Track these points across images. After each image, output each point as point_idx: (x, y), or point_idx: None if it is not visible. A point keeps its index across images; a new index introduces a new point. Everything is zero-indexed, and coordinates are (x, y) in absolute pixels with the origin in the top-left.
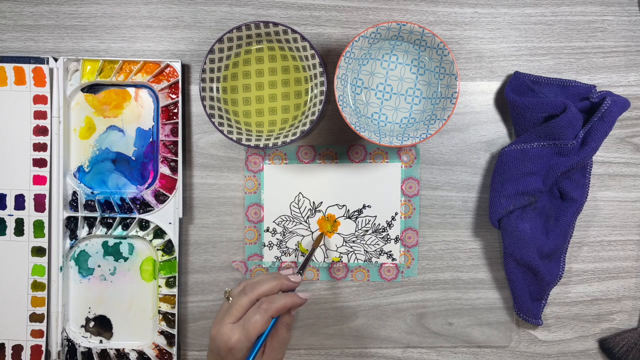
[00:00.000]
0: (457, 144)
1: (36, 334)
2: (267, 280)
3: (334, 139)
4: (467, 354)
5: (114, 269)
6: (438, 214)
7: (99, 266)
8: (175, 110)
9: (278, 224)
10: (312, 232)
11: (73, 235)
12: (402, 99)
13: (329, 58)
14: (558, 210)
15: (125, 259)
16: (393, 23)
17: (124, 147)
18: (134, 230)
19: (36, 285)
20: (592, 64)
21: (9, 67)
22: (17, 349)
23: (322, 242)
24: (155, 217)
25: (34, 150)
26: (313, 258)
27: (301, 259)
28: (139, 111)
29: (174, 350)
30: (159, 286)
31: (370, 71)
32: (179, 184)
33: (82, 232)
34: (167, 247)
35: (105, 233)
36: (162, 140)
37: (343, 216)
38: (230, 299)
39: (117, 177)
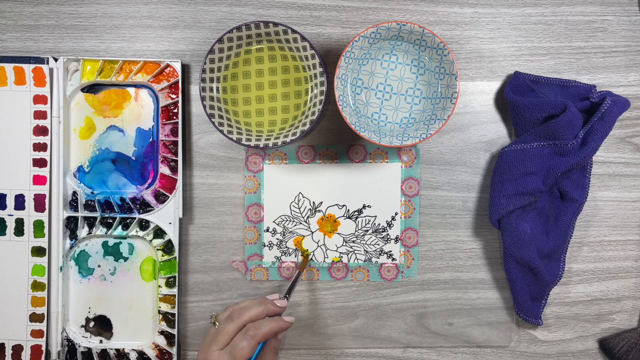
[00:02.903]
0: (457, 144)
1: (36, 334)
2: (254, 306)
3: (334, 139)
4: (467, 354)
5: (114, 269)
6: (438, 214)
7: (99, 266)
8: (175, 110)
9: (278, 224)
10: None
11: (73, 235)
12: (402, 99)
13: (329, 58)
14: (558, 210)
15: (125, 259)
16: (393, 23)
17: (124, 147)
18: (134, 230)
19: (36, 285)
20: (592, 64)
21: (9, 67)
22: (17, 349)
23: (306, 266)
24: (155, 217)
25: (34, 150)
26: (313, 259)
27: (301, 259)
28: (139, 111)
29: (174, 350)
30: (159, 286)
31: (370, 71)
32: (179, 184)
33: (82, 232)
34: (167, 247)
35: (105, 233)
36: (162, 140)
37: (343, 216)
38: (217, 324)
39: (117, 177)
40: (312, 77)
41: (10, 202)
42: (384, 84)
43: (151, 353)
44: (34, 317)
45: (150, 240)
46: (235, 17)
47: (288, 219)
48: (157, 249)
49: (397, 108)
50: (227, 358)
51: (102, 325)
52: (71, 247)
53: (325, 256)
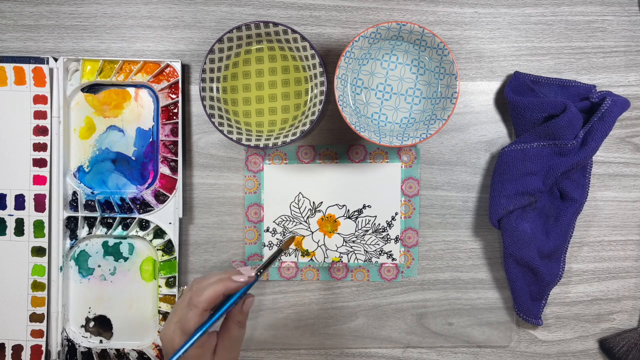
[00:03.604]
0: (457, 144)
1: (36, 334)
2: (212, 285)
3: (334, 139)
4: (467, 354)
5: (114, 269)
6: (438, 214)
7: (99, 266)
8: (175, 110)
9: (278, 224)
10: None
11: (73, 235)
12: (402, 99)
13: (329, 58)
14: (558, 210)
15: (125, 259)
16: (393, 23)
17: (124, 147)
18: (134, 230)
19: (36, 285)
20: (592, 64)
21: (9, 67)
22: (17, 349)
23: (290, 246)
24: (155, 217)
25: (34, 150)
26: (313, 258)
27: (303, 259)
28: (139, 111)
29: None
30: (159, 286)
31: (370, 71)
32: (179, 184)
33: (82, 232)
34: (167, 247)
35: (105, 233)
36: (162, 140)
37: (343, 216)
38: None
39: (117, 177)
40: (312, 77)
41: (10, 202)
42: (384, 84)
43: (151, 353)
44: (34, 317)
45: (150, 240)
46: (235, 17)
47: (288, 219)
48: (157, 249)
49: (397, 108)
50: (179, 332)
51: (102, 325)
52: (71, 247)
53: (325, 256)
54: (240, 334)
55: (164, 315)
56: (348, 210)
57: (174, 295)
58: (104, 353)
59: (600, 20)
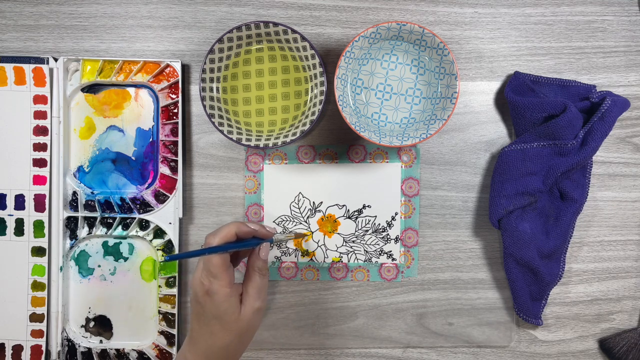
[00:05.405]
0: (457, 144)
1: (36, 334)
2: (225, 226)
3: (334, 139)
4: (467, 354)
5: (114, 269)
6: (438, 214)
7: (99, 266)
8: (175, 110)
9: (278, 224)
10: (312, 232)
11: (73, 235)
12: (402, 99)
13: (329, 58)
14: (558, 210)
15: (125, 259)
16: (393, 23)
17: (124, 147)
18: (134, 230)
19: (36, 285)
20: (592, 64)
21: (9, 67)
22: (17, 349)
23: (297, 239)
24: (155, 217)
25: (34, 150)
26: (313, 258)
27: (303, 259)
28: (139, 111)
29: (174, 350)
30: (159, 286)
31: (370, 71)
32: (179, 184)
33: (82, 232)
34: (167, 247)
35: (105, 233)
36: (162, 140)
37: (343, 216)
38: None
39: (117, 177)
40: (312, 77)
41: (10, 202)
42: (384, 84)
43: (151, 353)
44: (34, 317)
45: (150, 240)
46: (235, 17)
47: (288, 219)
48: (157, 249)
49: (397, 108)
50: (206, 273)
51: (102, 325)
52: (71, 247)
53: (325, 256)
54: (263, 282)
55: (164, 315)
56: (348, 210)
57: (174, 295)
58: (104, 353)
59: (600, 20)
